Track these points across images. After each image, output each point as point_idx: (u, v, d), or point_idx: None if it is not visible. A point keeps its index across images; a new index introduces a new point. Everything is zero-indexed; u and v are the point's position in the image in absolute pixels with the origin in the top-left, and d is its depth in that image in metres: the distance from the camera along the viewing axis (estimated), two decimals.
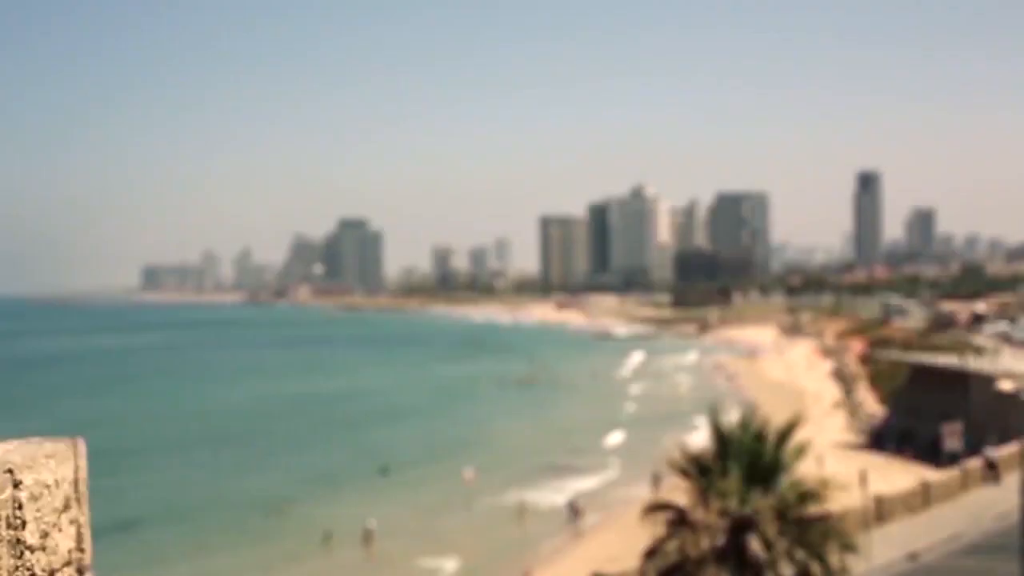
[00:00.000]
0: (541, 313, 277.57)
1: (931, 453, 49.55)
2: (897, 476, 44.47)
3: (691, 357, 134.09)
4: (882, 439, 59.25)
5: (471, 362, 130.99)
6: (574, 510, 46.99)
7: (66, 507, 2.43)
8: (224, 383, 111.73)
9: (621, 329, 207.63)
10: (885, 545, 31.51)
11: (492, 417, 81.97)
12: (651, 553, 22.83)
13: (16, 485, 2.25)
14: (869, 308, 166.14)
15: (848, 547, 23.28)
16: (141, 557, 41.15)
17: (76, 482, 2.48)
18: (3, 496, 2.21)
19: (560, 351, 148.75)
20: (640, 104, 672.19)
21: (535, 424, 77.55)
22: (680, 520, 22.48)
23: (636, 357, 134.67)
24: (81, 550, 2.48)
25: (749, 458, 22.81)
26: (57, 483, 2.39)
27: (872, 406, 71.94)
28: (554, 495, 51.73)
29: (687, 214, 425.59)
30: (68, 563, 2.42)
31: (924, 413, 55.85)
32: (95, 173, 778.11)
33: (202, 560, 41.97)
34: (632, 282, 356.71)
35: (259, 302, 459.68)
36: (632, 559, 26.29)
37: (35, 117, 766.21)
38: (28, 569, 2.27)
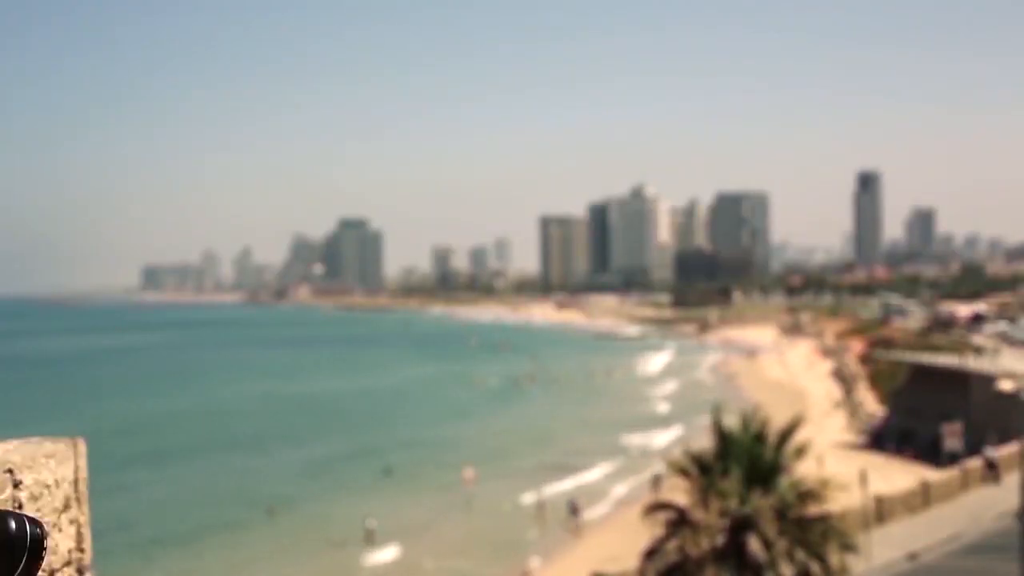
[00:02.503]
0: (541, 313, 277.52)
1: (931, 453, 49.54)
2: (897, 476, 44.47)
3: (712, 357, 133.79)
4: (882, 439, 59.24)
5: (489, 363, 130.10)
6: (574, 509, 46.98)
7: (66, 507, 2.43)
8: (227, 383, 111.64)
9: (631, 329, 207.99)
10: (885, 545, 31.51)
11: (508, 417, 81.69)
12: (651, 553, 22.84)
13: (16, 485, 2.25)
14: (869, 308, 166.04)
15: (848, 547, 23.30)
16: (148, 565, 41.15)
17: (76, 482, 2.48)
18: (3, 496, 2.21)
19: (575, 352, 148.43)
20: (640, 104, 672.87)
21: (574, 423, 76.87)
22: (680, 520, 22.50)
23: (661, 357, 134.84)
24: (81, 550, 2.48)
25: (749, 458, 22.84)
26: (57, 483, 2.39)
27: (872, 406, 71.90)
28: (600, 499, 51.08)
29: (687, 214, 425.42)
30: (68, 563, 2.42)
31: (924, 413, 55.83)
32: (95, 173, 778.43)
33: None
34: (632, 282, 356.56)
35: (259, 302, 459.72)
36: (632, 559, 26.27)
37: (35, 117, 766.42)
38: None
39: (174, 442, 69.97)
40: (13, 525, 1.45)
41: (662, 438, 68.01)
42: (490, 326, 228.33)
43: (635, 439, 68.52)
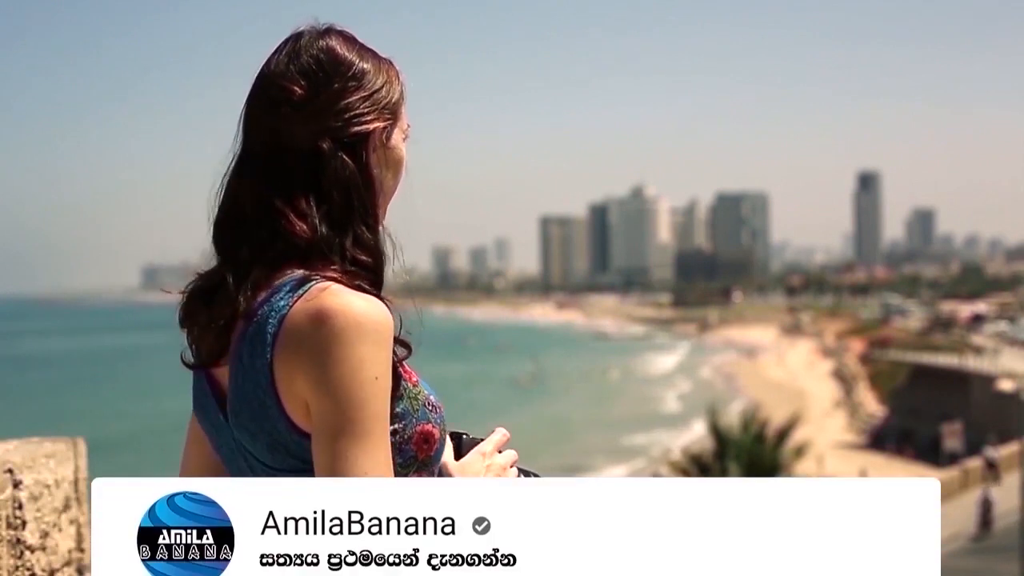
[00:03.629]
0: (542, 313, 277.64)
1: (931, 453, 49.55)
2: (897, 476, 44.47)
3: (712, 357, 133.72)
4: (882, 439, 59.27)
5: (490, 363, 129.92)
6: None
7: (66, 507, 2.43)
8: None
9: (632, 329, 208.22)
10: None
11: (511, 417, 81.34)
12: None
13: (16, 485, 2.25)
14: (869, 308, 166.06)
15: None
16: None
17: (76, 482, 2.49)
18: (3, 496, 2.22)
19: (577, 352, 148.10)
20: (640, 104, 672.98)
21: (586, 423, 76.48)
22: None
23: (668, 357, 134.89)
24: (81, 550, 2.48)
25: (748, 458, 22.89)
26: (57, 483, 2.40)
27: (872, 406, 71.92)
28: None
29: (687, 214, 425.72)
30: (68, 563, 2.43)
31: (924, 413, 55.85)
32: (95, 173, 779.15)
33: None
34: (632, 282, 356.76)
35: None
36: None
37: (35, 116, 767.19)
38: (28, 569, 2.28)
39: (177, 443, 69.90)
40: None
41: (682, 439, 67.46)
42: (491, 326, 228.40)
43: (653, 439, 68.07)
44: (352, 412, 1.39)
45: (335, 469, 1.38)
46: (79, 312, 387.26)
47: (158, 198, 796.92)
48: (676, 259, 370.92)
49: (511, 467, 1.68)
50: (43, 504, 2.37)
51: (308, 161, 1.49)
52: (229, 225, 1.55)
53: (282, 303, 1.44)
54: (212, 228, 1.58)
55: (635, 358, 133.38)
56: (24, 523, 2.28)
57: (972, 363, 61.44)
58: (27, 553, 2.28)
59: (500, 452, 1.70)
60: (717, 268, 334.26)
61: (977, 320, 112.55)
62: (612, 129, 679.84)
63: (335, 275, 1.46)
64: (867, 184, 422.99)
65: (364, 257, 1.52)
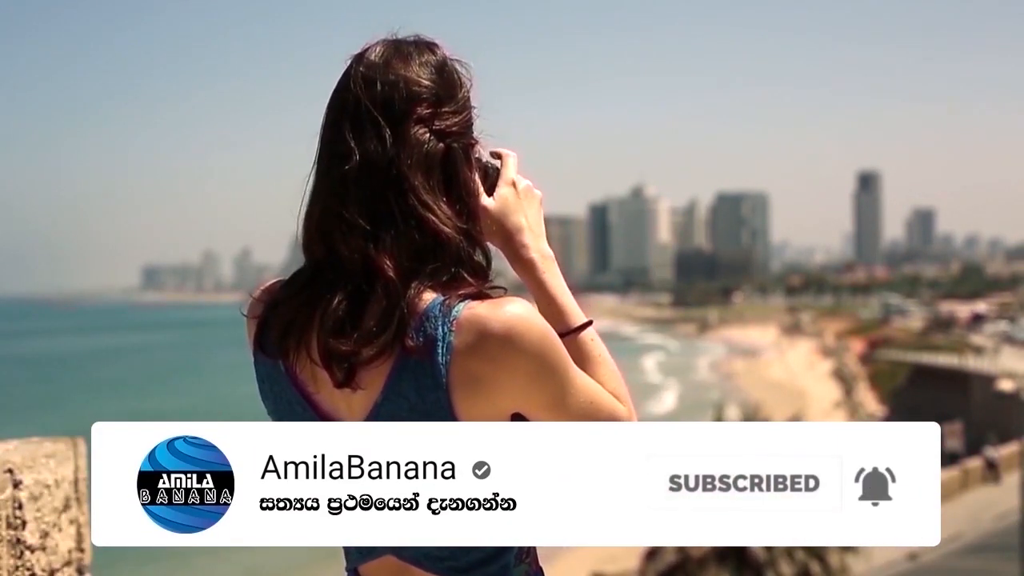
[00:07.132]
0: None
1: None
2: None
3: (714, 357, 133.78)
4: None
5: None
6: None
7: (66, 507, 2.43)
8: (232, 383, 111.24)
9: (632, 329, 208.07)
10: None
11: None
12: (651, 553, 22.87)
13: (16, 485, 2.25)
14: (869, 308, 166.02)
15: (848, 547, 23.30)
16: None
17: (76, 482, 2.48)
18: (3, 496, 2.22)
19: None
20: (640, 104, 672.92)
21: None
22: None
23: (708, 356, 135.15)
24: (81, 550, 2.48)
25: None
26: (57, 483, 2.40)
27: (872, 406, 71.90)
28: None
29: (687, 214, 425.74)
30: (68, 563, 2.42)
31: (924, 413, 55.80)
32: (95, 173, 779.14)
33: None
34: (632, 282, 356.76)
35: None
36: (632, 559, 26.26)
37: (35, 116, 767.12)
38: (28, 569, 2.28)
39: None
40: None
41: None
42: None
43: None
44: (568, 389, 1.44)
45: (589, 419, 1.44)
46: (79, 312, 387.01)
47: (158, 198, 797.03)
48: (676, 259, 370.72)
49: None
50: (43, 504, 2.36)
51: (440, 162, 1.47)
52: (365, 220, 1.41)
53: (441, 331, 1.37)
54: (340, 226, 1.43)
55: (637, 359, 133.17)
56: (24, 523, 2.27)
57: (972, 363, 61.42)
58: (27, 553, 2.27)
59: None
60: (717, 268, 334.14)
61: (977, 320, 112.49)
62: (612, 129, 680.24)
63: (470, 290, 1.42)
64: (867, 184, 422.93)
65: (481, 261, 1.50)
